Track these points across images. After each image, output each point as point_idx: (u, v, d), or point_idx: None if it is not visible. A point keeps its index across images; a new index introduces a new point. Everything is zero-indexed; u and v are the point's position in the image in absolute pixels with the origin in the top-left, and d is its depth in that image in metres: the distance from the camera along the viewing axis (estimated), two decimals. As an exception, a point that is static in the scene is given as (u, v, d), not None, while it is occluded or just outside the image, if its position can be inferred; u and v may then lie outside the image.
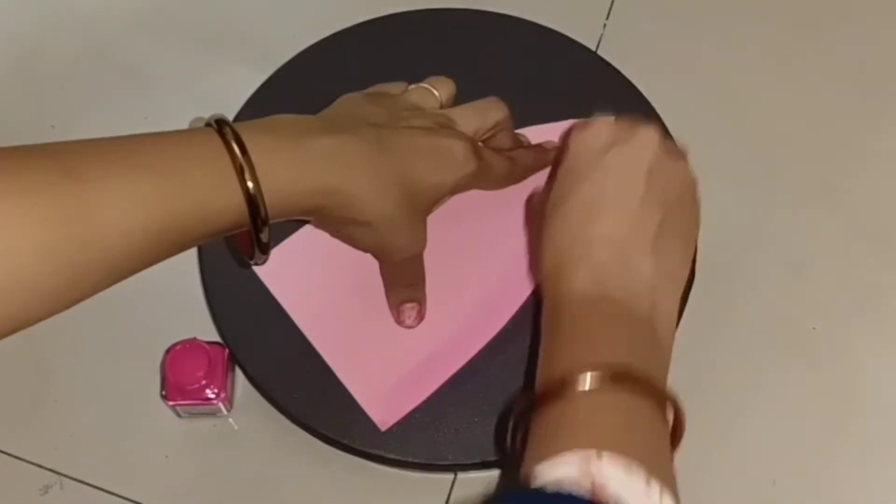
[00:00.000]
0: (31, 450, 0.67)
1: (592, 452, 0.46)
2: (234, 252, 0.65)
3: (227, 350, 0.66)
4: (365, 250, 0.63)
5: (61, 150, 0.49)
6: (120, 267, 0.50)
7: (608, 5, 0.80)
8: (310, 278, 0.66)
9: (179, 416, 0.67)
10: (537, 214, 0.62)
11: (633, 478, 0.46)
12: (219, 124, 0.53)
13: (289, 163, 0.55)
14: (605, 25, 0.79)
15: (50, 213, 0.46)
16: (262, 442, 0.67)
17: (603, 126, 0.58)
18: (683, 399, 0.67)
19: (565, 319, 0.54)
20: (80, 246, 0.47)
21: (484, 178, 0.63)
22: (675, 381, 0.67)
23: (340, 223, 0.60)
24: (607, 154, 0.57)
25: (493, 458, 0.63)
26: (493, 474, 0.65)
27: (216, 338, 0.67)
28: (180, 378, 0.64)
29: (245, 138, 0.53)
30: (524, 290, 0.66)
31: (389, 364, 0.65)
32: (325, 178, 0.56)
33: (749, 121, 0.76)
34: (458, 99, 0.70)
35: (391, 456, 0.63)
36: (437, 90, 0.65)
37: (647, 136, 0.57)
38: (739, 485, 0.66)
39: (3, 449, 0.67)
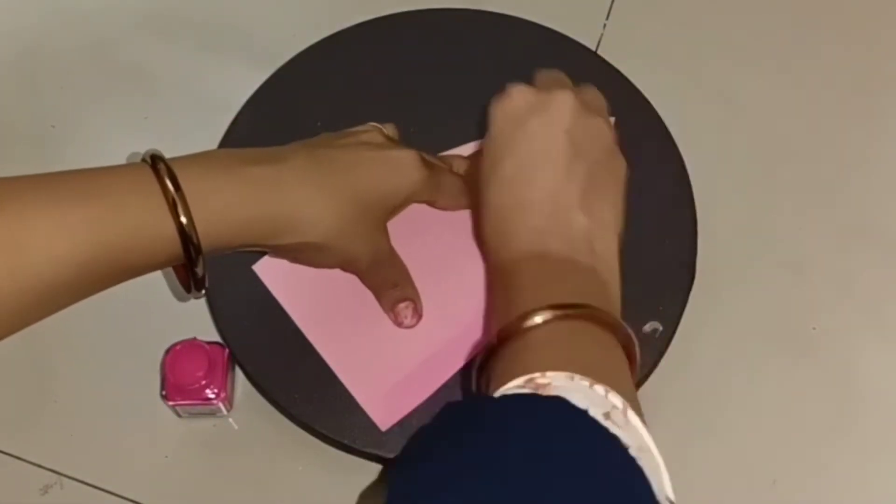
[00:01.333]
0: (31, 450, 0.67)
1: (536, 373, 0.47)
2: (176, 283, 0.64)
3: (227, 350, 0.66)
4: (332, 268, 0.64)
5: None
6: (54, 297, 0.50)
7: (608, 5, 0.80)
8: (310, 279, 0.66)
9: (179, 416, 0.67)
10: (472, 188, 0.63)
11: (576, 382, 0.47)
12: (153, 160, 0.54)
13: (223, 192, 0.55)
14: (605, 25, 0.79)
15: None
16: (261, 442, 0.67)
17: (520, 94, 0.60)
18: (683, 399, 0.68)
19: (512, 278, 0.56)
20: (7, 274, 0.47)
21: (436, 190, 0.65)
22: (676, 381, 0.67)
23: (295, 250, 0.60)
24: (528, 121, 0.59)
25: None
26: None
27: (216, 338, 0.67)
28: (180, 378, 0.64)
29: (178, 172, 0.53)
30: None
31: (390, 364, 0.65)
32: (262, 205, 0.56)
33: (749, 121, 0.76)
34: (459, 99, 0.71)
35: (391, 456, 0.63)
36: (385, 128, 0.66)
37: (563, 98, 0.59)
38: (739, 485, 0.66)
39: (3, 449, 0.67)
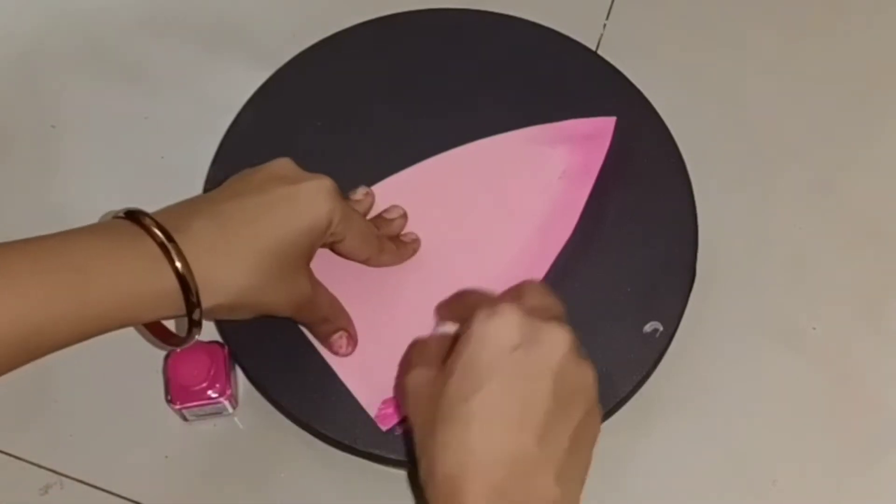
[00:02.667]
0: (31, 450, 0.67)
1: None
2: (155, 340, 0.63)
3: (226, 348, 0.66)
4: (249, 318, 0.60)
5: None
6: None
7: (608, 5, 0.80)
8: None
9: (186, 419, 0.67)
10: (419, 396, 0.55)
11: None
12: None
13: (131, 261, 0.53)
14: (605, 25, 0.79)
15: None
16: (262, 442, 0.67)
17: (511, 320, 0.52)
18: (683, 399, 0.68)
19: None
20: None
21: (349, 226, 0.60)
22: (676, 381, 0.67)
23: (210, 312, 0.56)
24: (515, 354, 0.51)
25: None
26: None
27: (213, 337, 0.67)
28: (184, 380, 0.64)
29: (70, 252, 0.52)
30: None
31: (391, 364, 0.65)
32: (164, 280, 0.53)
33: (749, 121, 0.76)
34: (459, 99, 0.70)
35: (391, 456, 0.63)
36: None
37: (557, 337, 0.52)
38: (739, 485, 0.66)
39: (3, 449, 0.67)
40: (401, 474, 0.65)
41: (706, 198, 0.70)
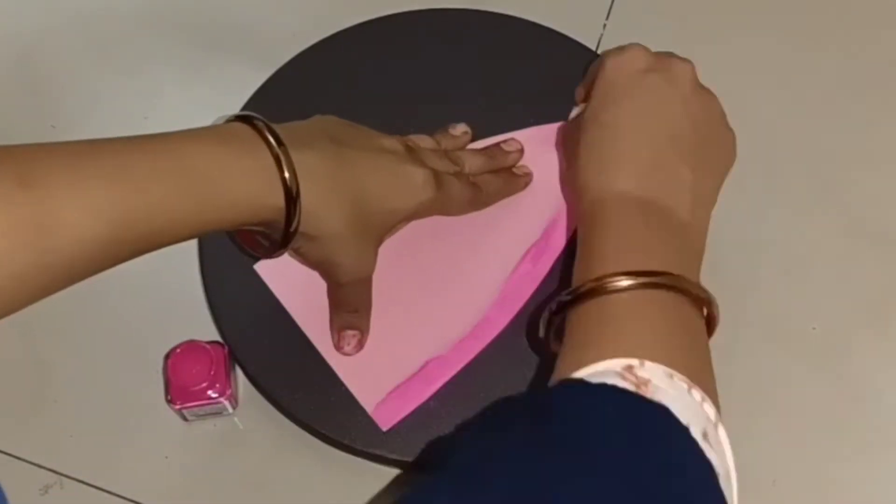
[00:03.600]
0: (31, 450, 0.67)
1: (635, 361, 0.47)
2: (244, 251, 0.64)
3: (226, 348, 0.66)
4: (310, 266, 0.63)
5: (17, 154, 0.48)
6: (79, 271, 0.50)
7: (608, 5, 0.80)
8: (312, 279, 0.66)
9: (186, 419, 0.67)
10: (570, 137, 0.63)
11: (675, 383, 0.46)
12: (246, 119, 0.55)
13: (249, 173, 0.54)
14: (605, 25, 0.79)
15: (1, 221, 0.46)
16: (262, 442, 0.67)
17: (640, 51, 0.60)
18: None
19: (608, 219, 0.55)
20: (32, 252, 0.47)
21: (444, 207, 0.64)
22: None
23: (296, 236, 0.58)
24: (647, 76, 0.59)
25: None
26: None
27: (213, 337, 0.67)
28: (184, 380, 0.64)
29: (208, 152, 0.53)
30: (525, 293, 0.66)
31: (391, 364, 0.65)
32: (283, 189, 0.55)
33: (749, 121, 0.76)
34: (459, 99, 0.70)
35: (391, 456, 0.63)
36: (413, 140, 0.65)
37: (683, 67, 0.60)
38: (739, 485, 0.66)
39: (3, 449, 0.67)
40: (401, 474, 0.65)
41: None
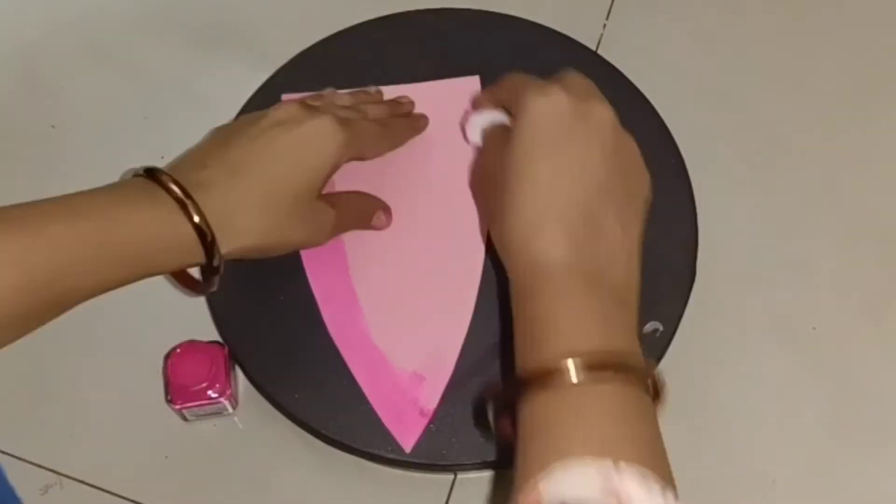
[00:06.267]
0: (31, 450, 0.67)
1: (609, 464, 0.46)
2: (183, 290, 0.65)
3: (226, 348, 0.66)
4: (282, 253, 0.64)
5: None
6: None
7: (608, 5, 0.80)
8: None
9: (186, 419, 0.67)
10: (488, 179, 0.61)
11: (652, 489, 0.46)
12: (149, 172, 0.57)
13: (157, 222, 0.56)
14: (604, 25, 0.79)
15: None
16: (261, 442, 0.67)
17: (562, 95, 0.58)
18: (683, 399, 0.68)
19: (548, 293, 0.53)
20: None
21: (359, 146, 0.65)
22: (676, 381, 0.67)
23: (236, 255, 0.60)
24: (571, 125, 0.57)
25: (493, 458, 0.63)
26: (494, 474, 0.65)
27: (213, 337, 0.67)
28: (184, 380, 0.64)
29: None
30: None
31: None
32: (182, 225, 0.57)
33: (749, 121, 0.76)
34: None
35: (392, 456, 0.63)
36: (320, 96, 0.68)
37: (604, 112, 0.58)
38: (739, 485, 0.66)
39: (3, 449, 0.67)
40: (400, 474, 0.65)
41: (706, 197, 0.70)
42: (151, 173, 0.57)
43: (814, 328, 0.69)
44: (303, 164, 0.61)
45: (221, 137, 0.62)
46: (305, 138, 0.61)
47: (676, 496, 0.47)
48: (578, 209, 0.54)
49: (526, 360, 0.52)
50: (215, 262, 0.58)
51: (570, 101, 0.58)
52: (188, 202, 0.56)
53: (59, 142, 0.76)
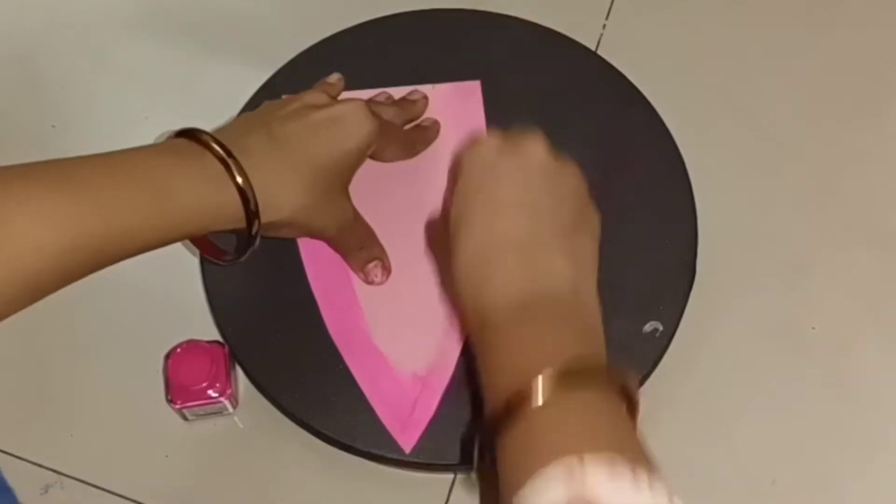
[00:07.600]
0: (31, 450, 0.67)
1: (573, 459, 0.45)
2: (208, 260, 0.66)
3: (226, 347, 0.66)
4: (296, 237, 0.66)
5: None
6: (40, 284, 0.52)
7: (608, 5, 0.80)
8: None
9: (186, 419, 0.67)
10: (441, 237, 0.62)
11: (619, 473, 0.45)
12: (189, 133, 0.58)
13: (202, 180, 0.57)
14: (604, 25, 0.79)
15: None
16: (261, 442, 0.67)
17: (490, 140, 0.59)
18: (683, 399, 0.68)
19: (497, 334, 0.53)
20: None
21: (384, 138, 0.65)
22: (676, 381, 0.67)
23: (264, 229, 0.60)
24: (498, 164, 0.58)
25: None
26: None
27: (213, 337, 0.67)
28: (184, 379, 0.64)
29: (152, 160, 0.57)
30: None
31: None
32: (230, 192, 0.57)
33: (749, 120, 0.76)
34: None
35: (392, 456, 0.63)
36: (330, 83, 0.69)
37: (533, 142, 0.58)
38: (739, 485, 0.66)
39: (3, 449, 0.67)
40: (400, 474, 0.65)
41: (706, 197, 0.70)
42: (192, 134, 0.57)
43: (814, 328, 0.69)
44: (340, 147, 0.62)
45: (256, 114, 0.63)
46: (339, 120, 0.62)
47: (651, 470, 0.46)
48: (513, 249, 0.54)
49: (493, 402, 0.51)
50: (254, 230, 0.58)
51: (497, 144, 0.59)
52: (231, 161, 0.56)
53: (59, 142, 0.76)
